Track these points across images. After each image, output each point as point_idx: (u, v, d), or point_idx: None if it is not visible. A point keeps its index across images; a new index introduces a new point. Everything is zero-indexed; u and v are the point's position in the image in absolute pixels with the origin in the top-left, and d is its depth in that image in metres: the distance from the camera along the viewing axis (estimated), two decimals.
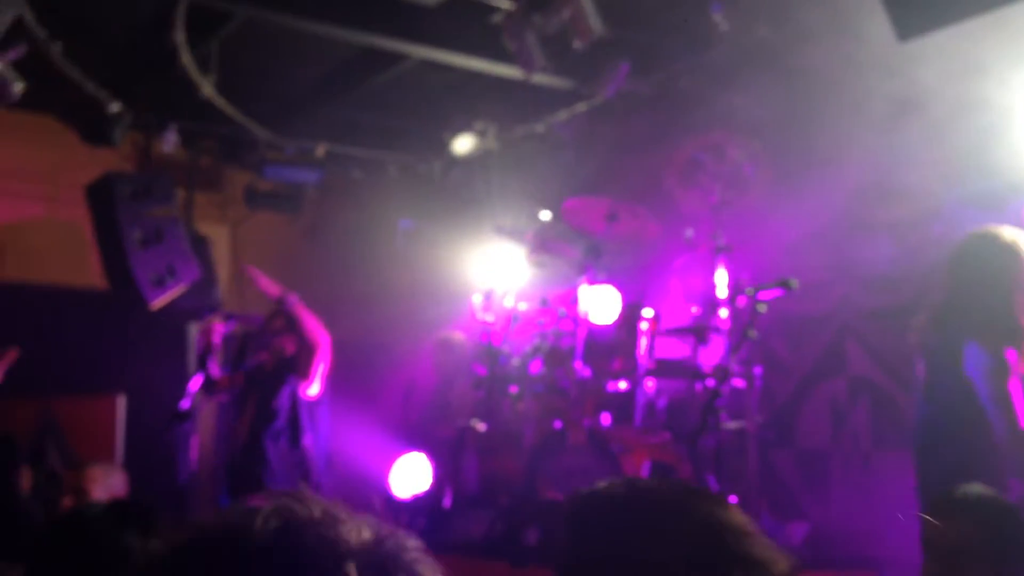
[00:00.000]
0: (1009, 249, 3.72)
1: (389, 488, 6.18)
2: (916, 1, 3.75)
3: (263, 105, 7.15)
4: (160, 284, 6.65)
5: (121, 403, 6.96)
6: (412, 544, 0.95)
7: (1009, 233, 3.75)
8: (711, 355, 5.43)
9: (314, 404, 5.82)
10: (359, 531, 0.91)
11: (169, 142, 7.17)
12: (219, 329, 5.97)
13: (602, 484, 1.39)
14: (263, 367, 5.83)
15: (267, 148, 7.57)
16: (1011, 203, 4.73)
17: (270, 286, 5.76)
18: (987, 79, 4.51)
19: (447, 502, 5.77)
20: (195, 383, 5.77)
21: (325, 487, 5.98)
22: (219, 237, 8.14)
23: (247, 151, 7.80)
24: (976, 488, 2.71)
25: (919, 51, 4.18)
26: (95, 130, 6.71)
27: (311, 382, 5.67)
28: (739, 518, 1.31)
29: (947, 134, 4.72)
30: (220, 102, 6.62)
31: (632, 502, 1.34)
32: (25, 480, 6.28)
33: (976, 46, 4.35)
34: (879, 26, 4.00)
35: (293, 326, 5.67)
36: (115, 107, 6.54)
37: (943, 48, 4.30)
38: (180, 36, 5.89)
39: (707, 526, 1.28)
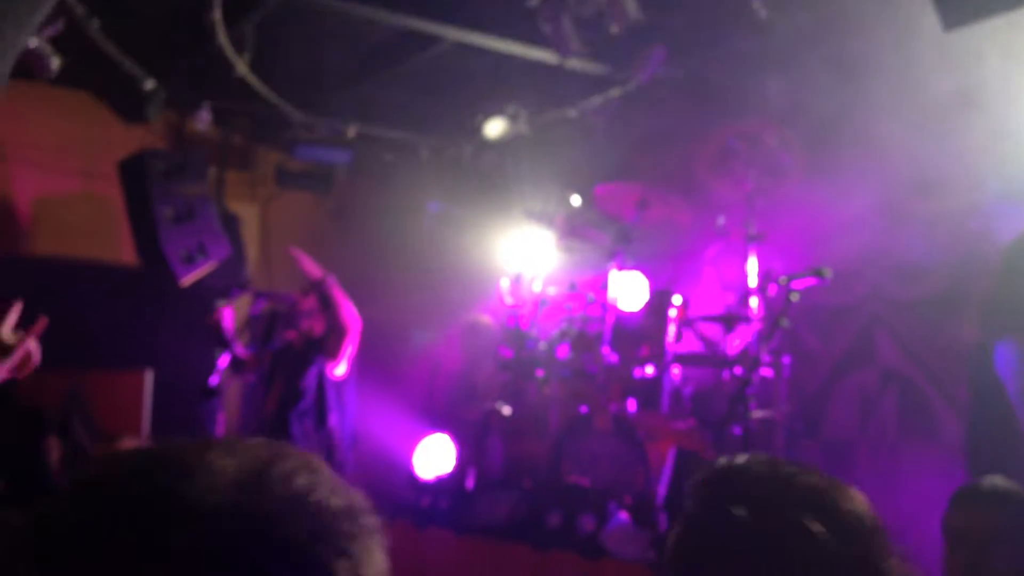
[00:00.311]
0: None
1: (413, 469, 6.21)
2: None
3: (296, 85, 7.17)
4: (190, 261, 6.70)
5: (149, 378, 7.02)
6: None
7: None
8: (741, 343, 5.41)
9: (341, 384, 5.85)
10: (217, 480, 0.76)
11: (203, 120, 7.21)
12: (228, 314, 6.01)
13: (740, 458, 1.37)
14: (291, 346, 5.86)
15: (299, 128, 7.59)
16: None
17: (313, 268, 5.79)
18: None
19: (470, 484, 5.79)
20: (224, 360, 5.81)
21: (350, 467, 6.01)
22: (249, 216, 8.19)
23: (279, 131, 7.84)
24: (1000, 479, 2.76)
25: (963, 42, 4.12)
26: (130, 107, 6.75)
27: (339, 363, 5.69)
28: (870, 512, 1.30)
29: (991, 128, 4.66)
30: (254, 81, 6.64)
31: (772, 482, 1.32)
32: (55, 452, 6.36)
33: (1022, 37, 4.30)
34: (925, 15, 3.95)
35: (328, 307, 5.70)
36: (150, 84, 6.58)
37: (990, 40, 4.24)
38: (217, 15, 5.91)
39: (855, 530, 1.29)
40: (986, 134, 4.71)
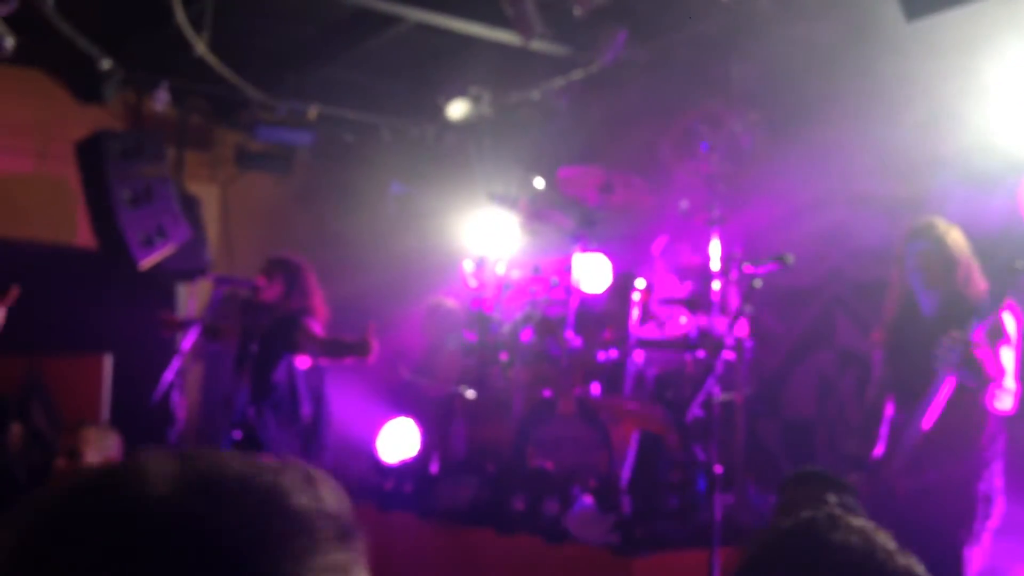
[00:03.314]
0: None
1: (376, 452, 6.20)
2: None
3: (256, 65, 7.07)
4: (149, 244, 6.60)
5: (108, 362, 6.94)
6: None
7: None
8: (703, 326, 5.44)
9: (313, 373, 5.82)
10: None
11: (161, 100, 7.09)
12: (176, 321, 5.99)
13: (780, 529, 1.29)
14: (261, 332, 5.78)
15: (259, 108, 7.49)
16: (1005, 183, 4.76)
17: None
18: (988, 61, 4.50)
19: (434, 468, 5.79)
20: (187, 342, 5.74)
21: (329, 455, 5.99)
22: (209, 197, 8.08)
23: (239, 111, 7.74)
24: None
25: (922, 31, 4.16)
26: (86, 87, 6.61)
27: (306, 356, 5.68)
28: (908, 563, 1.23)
29: (947, 114, 4.72)
30: (213, 61, 6.54)
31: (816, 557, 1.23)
32: (16, 437, 6.28)
33: (979, 28, 4.34)
34: (887, 4, 3.98)
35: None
36: (106, 64, 6.45)
37: (947, 29, 4.28)
38: None
39: None
40: (943, 120, 4.76)
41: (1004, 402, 3.79)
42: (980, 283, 3.96)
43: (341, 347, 5.67)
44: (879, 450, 4.05)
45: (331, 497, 0.82)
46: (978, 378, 3.68)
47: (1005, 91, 4.57)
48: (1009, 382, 3.79)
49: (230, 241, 8.32)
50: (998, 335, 3.78)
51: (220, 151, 8.46)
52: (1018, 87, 4.51)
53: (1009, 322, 3.83)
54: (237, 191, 8.51)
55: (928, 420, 3.77)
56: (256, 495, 0.78)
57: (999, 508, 3.83)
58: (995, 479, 3.85)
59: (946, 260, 3.97)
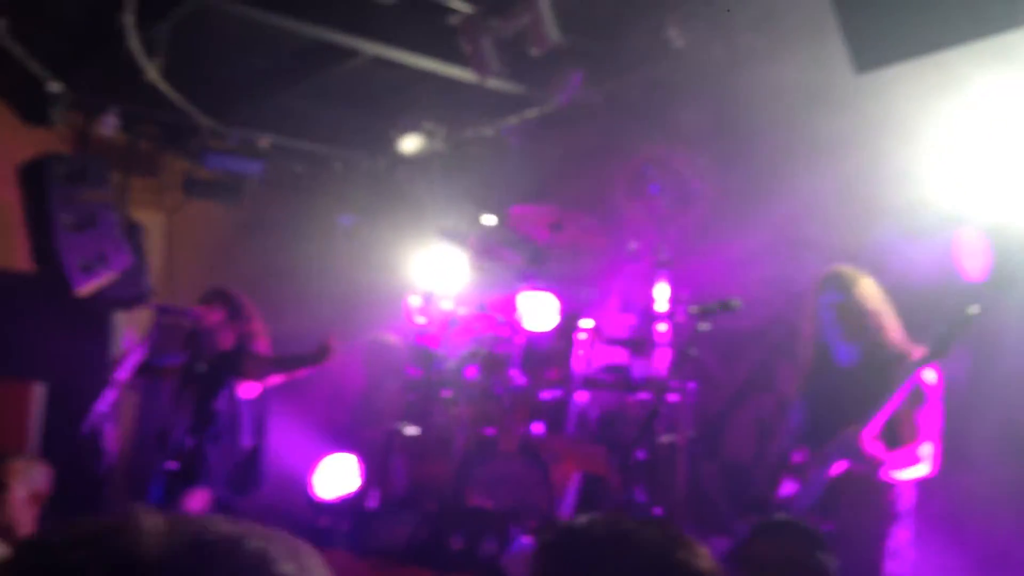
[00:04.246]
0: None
1: (312, 489, 6.08)
2: (876, 35, 3.78)
3: (208, 93, 7.01)
4: (88, 270, 6.46)
5: (39, 391, 6.74)
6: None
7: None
8: (648, 368, 5.44)
9: (256, 403, 5.70)
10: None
11: (108, 125, 7.01)
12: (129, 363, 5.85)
13: (583, 520, 1.39)
14: (203, 364, 5.65)
15: (209, 136, 7.42)
16: (941, 236, 4.84)
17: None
18: (926, 119, 4.60)
19: (372, 505, 5.69)
20: (122, 372, 5.60)
21: (268, 488, 5.85)
22: (154, 225, 7.95)
23: (188, 138, 7.65)
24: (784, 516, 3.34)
25: (869, 82, 4.23)
26: (33, 109, 6.52)
27: (250, 384, 5.56)
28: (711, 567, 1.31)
29: (887, 166, 4.80)
30: (164, 87, 6.47)
31: (612, 545, 1.32)
32: None
33: (919, 87, 4.44)
34: (835, 54, 4.05)
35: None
36: (54, 87, 6.36)
37: (894, 81, 4.36)
38: (129, 18, 5.75)
39: None
40: (883, 173, 4.85)
41: (914, 471, 3.77)
42: (895, 329, 3.97)
43: (293, 360, 5.57)
44: (785, 490, 4.03)
45: (316, 568, 0.86)
46: (870, 467, 3.68)
47: (941, 148, 4.66)
48: (926, 449, 3.76)
49: (173, 270, 8.18)
50: (919, 399, 3.78)
51: (168, 178, 8.34)
52: (952, 145, 4.61)
53: (930, 380, 3.83)
54: (183, 219, 8.38)
55: (836, 469, 3.75)
56: (245, 560, 0.80)
57: (908, 560, 3.81)
58: (901, 533, 3.83)
59: (859, 311, 3.96)
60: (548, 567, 1.34)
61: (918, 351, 3.79)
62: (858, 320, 3.96)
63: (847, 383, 3.91)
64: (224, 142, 7.48)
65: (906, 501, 3.87)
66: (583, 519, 1.39)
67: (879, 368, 3.83)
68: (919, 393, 3.78)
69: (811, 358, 4.17)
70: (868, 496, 3.79)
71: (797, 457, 4.02)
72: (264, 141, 7.50)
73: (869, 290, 4.00)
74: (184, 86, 6.67)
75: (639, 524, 1.36)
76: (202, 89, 6.92)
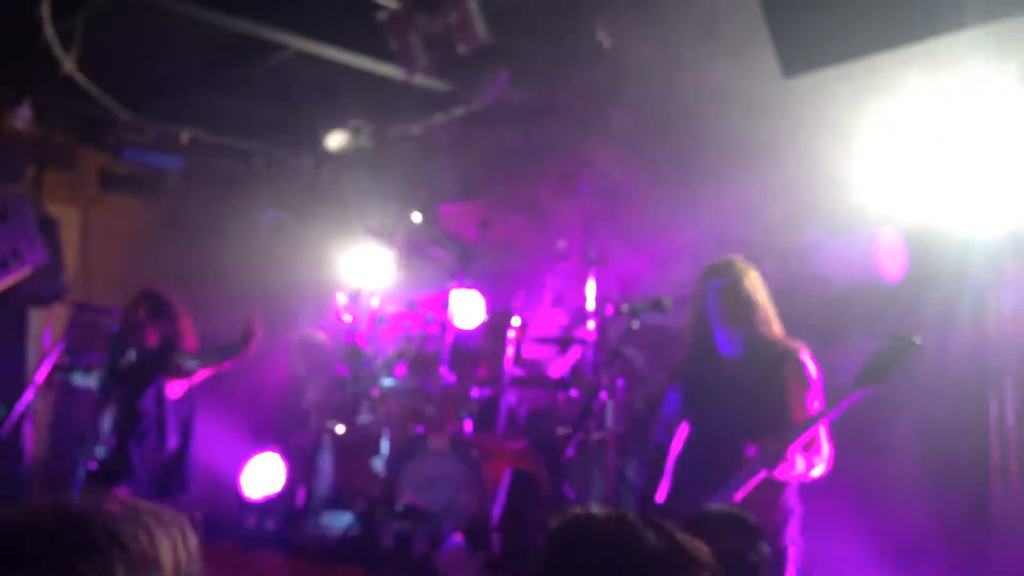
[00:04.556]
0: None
1: (239, 488, 5.98)
2: (804, 41, 3.88)
3: (127, 85, 6.82)
4: (3, 267, 6.25)
5: None
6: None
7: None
8: (577, 366, 5.49)
9: (182, 403, 5.57)
10: None
11: (22, 117, 6.77)
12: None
13: (591, 513, 1.42)
14: (128, 362, 5.51)
15: (127, 130, 7.22)
16: (866, 236, 4.99)
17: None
18: (855, 122, 4.72)
19: (300, 504, 5.63)
20: (41, 372, 5.43)
21: (195, 488, 5.73)
22: (69, 219, 7.71)
23: (105, 131, 7.44)
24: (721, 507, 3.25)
25: (796, 88, 4.33)
26: None
27: (179, 384, 5.44)
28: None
29: (814, 168, 4.92)
30: (81, 79, 6.28)
31: (619, 543, 1.35)
32: None
33: (848, 90, 4.56)
34: (758, 61, 4.14)
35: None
36: None
37: (819, 88, 4.47)
38: (44, 9, 5.56)
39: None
40: (811, 174, 4.97)
41: (815, 472, 3.81)
42: (778, 327, 4.01)
43: (218, 352, 5.48)
44: (664, 488, 4.10)
45: (169, 540, 1.07)
46: (785, 470, 3.74)
47: (868, 150, 4.80)
48: (826, 451, 3.81)
49: (89, 266, 7.95)
50: (805, 385, 3.85)
51: (83, 172, 8.09)
52: (882, 147, 4.75)
53: (812, 368, 3.90)
54: (100, 214, 8.15)
55: (738, 495, 3.78)
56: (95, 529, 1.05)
57: (797, 554, 3.91)
58: (796, 524, 3.91)
59: (745, 299, 3.97)
60: (552, 558, 1.36)
61: (800, 345, 3.89)
62: (743, 307, 3.95)
63: (727, 373, 3.95)
64: (142, 136, 7.30)
65: (796, 496, 3.96)
66: (591, 513, 1.41)
67: (759, 360, 3.88)
68: (804, 380, 3.85)
69: (690, 348, 4.17)
70: (767, 494, 3.81)
71: (676, 447, 4.08)
72: (185, 136, 7.34)
73: (756, 283, 4.03)
74: (102, 79, 6.48)
75: (640, 517, 1.40)
76: (121, 82, 6.73)
